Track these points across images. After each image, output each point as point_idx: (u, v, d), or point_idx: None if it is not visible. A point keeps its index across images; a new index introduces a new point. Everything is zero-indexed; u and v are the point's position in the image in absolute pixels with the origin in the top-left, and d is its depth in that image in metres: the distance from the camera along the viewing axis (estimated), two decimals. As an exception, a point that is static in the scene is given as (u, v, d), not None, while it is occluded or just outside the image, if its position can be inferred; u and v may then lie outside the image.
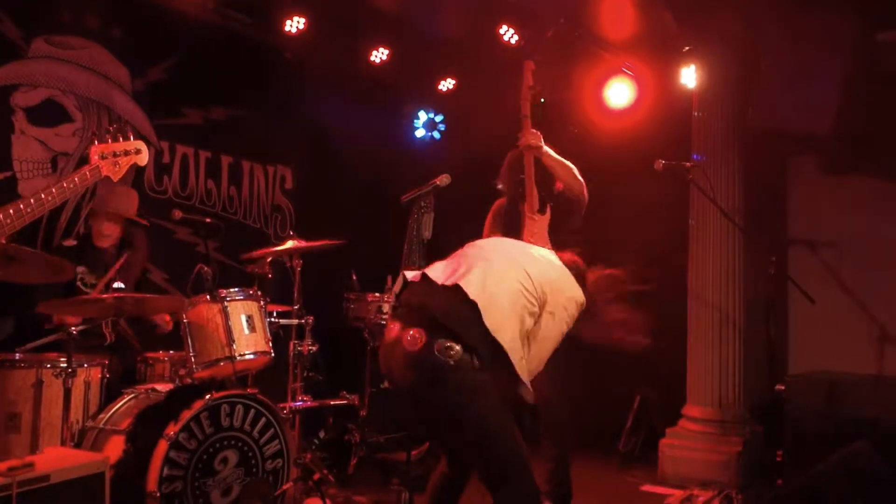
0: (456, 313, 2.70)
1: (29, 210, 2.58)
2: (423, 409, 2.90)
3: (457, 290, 2.75)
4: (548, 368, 2.96)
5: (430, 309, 2.74)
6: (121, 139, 2.81)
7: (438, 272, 2.91)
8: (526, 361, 2.79)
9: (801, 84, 4.90)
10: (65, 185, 2.65)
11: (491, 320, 2.69)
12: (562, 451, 4.07)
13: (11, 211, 2.58)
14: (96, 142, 2.80)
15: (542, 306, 2.84)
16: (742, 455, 5.08)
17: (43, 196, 2.63)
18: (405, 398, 2.92)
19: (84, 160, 4.92)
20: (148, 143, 5.51)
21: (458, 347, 2.63)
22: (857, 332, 5.68)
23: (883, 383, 5.19)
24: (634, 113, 6.07)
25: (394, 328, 2.80)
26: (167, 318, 4.65)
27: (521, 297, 2.80)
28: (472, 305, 2.70)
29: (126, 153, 2.81)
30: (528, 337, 2.82)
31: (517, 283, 2.82)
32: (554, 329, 2.87)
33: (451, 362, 2.63)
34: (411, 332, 2.69)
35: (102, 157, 2.75)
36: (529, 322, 2.81)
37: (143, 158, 2.87)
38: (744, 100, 5.34)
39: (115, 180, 2.82)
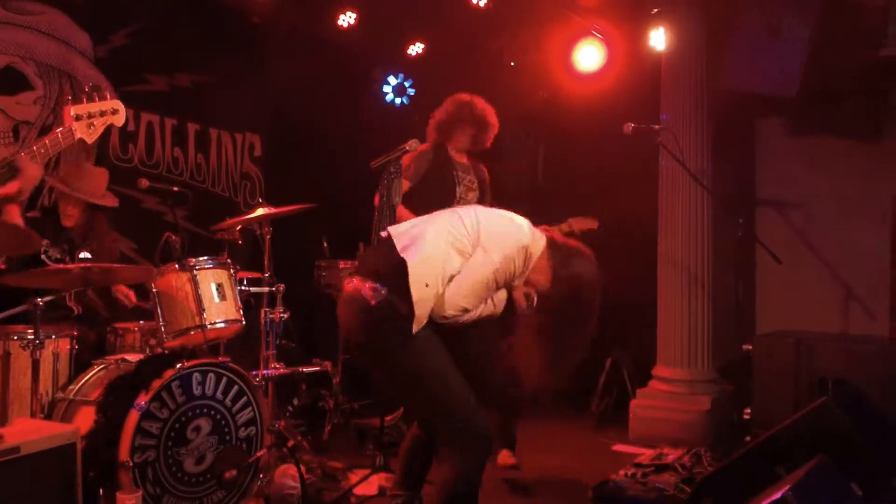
0: (385, 260, 2.89)
1: None
2: (362, 357, 3.06)
3: (389, 239, 2.96)
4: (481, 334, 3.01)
5: (370, 260, 3.01)
6: (96, 99, 2.65)
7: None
8: (435, 298, 2.81)
9: (768, 46, 4.92)
10: (35, 149, 2.49)
11: (411, 259, 2.83)
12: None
13: None
14: (70, 101, 2.64)
15: (474, 244, 2.88)
16: (711, 413, 5.17)
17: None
18: (351, 348, 3.03)
19: (46, 129, 4.86)
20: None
21: (384, 291, 2.81)
22: (823, 291, 5.78)
23: (848, 341, 5.30)
24: (603, 76, 6.06)
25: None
26: (129, 292, 4.61)
27: (446, 234, 2.89)
28: (395, 248, 2.89)
29: (102, 113, 2.66)
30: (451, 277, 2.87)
31: (446, 222, 2.94)
32: (482, 269, 2.85)
33: (374, 303, 2.81)
34: (353, 281, 2.93)
35: (77, 119, 2.59)
36: (457, 261, 2.86)
37: (120, 119, 2.72)
38: (712, 62, 5.34)
39: (89, 143, 2.68)
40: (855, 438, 3.21)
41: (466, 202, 4.55)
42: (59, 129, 2.58)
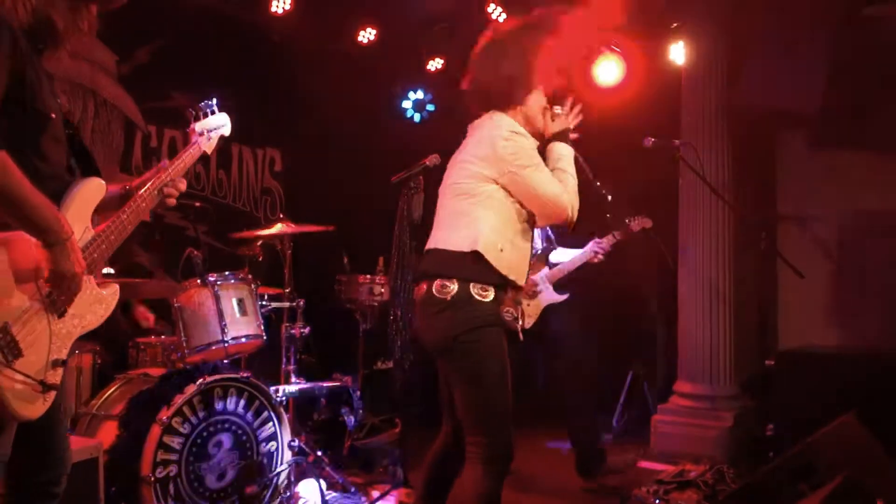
0: (440, 257, 2.90)
1: (131, 216, 2.36)
2: (431, 352, 2.98)
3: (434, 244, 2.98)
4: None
5: (424, 266, 2.97)
6: (210, 114, 2.78)
7: None
8: (507, 252, 2.84)
9: (789, 60, 4.90)
10: (175, 166, 2.55)
11: (457, 236, 2.87)
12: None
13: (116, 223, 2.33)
14: (193, 120, 2.75)
15: (500, 174, 2.88)
16: (733, 430, 5.12)
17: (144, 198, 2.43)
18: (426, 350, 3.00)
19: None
20: (136, 126, 5.55)
21: (452, 286, 2.80)
22: (846, 306, 5.71)
23: (871, 357, 5.23)
24: (623, 90, 6.05)
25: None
26: (149, 315, 4.65)
27: (466, 179, 2.92)
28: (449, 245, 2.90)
29: (217, 128, 2.79)
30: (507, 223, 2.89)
31: (461, 171, 2.96)
32: (525, 188, 2.88)
33: (448, 298, 2.80)
34: (419, 287, 2.94)
35: (200, 134, 2.73)
36: (499, 196, 2.87)
37: (228, 129, 2.85)
38: (732, 76, 5.33)
39: (208, 153, 2.79)
40: (880, 455, 3.17)
41: None
42: (190, 147, 2.69)
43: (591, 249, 4.69)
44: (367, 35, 6.47)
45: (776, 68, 4.97)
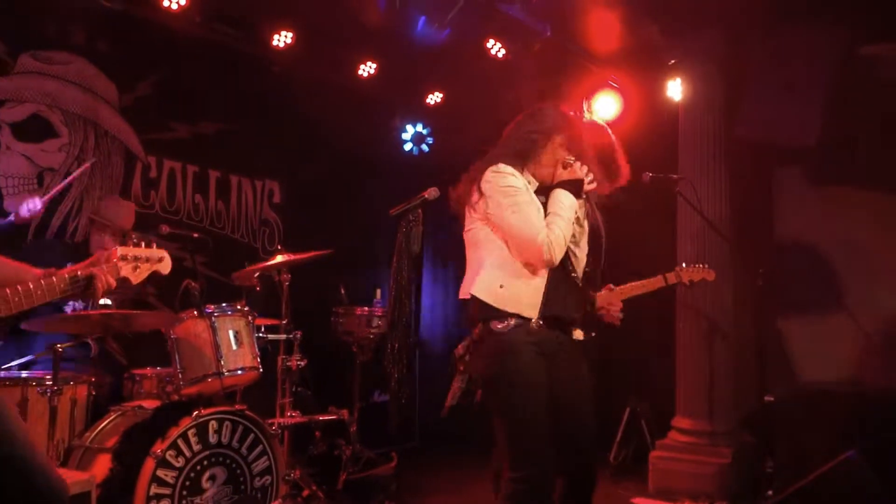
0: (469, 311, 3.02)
1: (39, 292, 2.41)
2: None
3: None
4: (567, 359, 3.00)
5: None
6: (143, 245, 2.77)
7: None
8: (506, 288, 2.89)
9: (786, 97, 4.94)
10: (80, 273, 2.54)
11: (464, 285, 3.03)
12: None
13: (20, 289, 2.40)
14: (118, 246, 2.73)
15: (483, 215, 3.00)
16: (732, 466, 5.08)
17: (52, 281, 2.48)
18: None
19: (67, 175, 4.93)
20: (136, 157, 5.57)
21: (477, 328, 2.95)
22: (845, 341, 5.70)
23: (871, 393, 5.21)
24: (621, 125, 6.09)
25: None
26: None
27: (468, 226, 3.09)
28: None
29: (148, 260, 2.77)
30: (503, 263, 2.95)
31: (467, 220, 3.11)
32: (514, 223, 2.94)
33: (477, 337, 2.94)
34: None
35: (123, 259, 2.71)
36: (492, 236, 2.97)
37: (166, 267, 2.82)
38: (729, 112, 5.37)
39: (133, 283, 2.76)
40: (880, 493, 3.15)
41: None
42: (107, 263, 2.65)
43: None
44: (367, 69, 6.52)
45: (774, 104, 5.01)
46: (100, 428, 3.81)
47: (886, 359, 5.57)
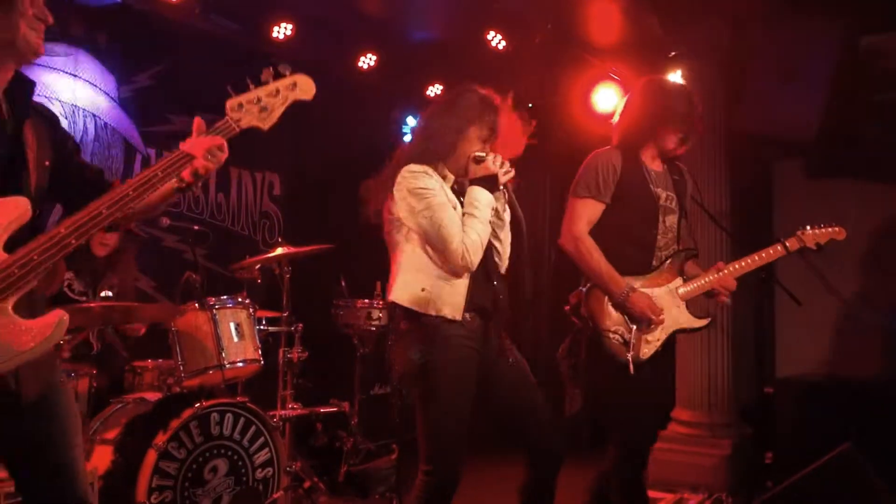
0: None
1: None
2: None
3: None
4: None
5: None
6: (269, 80, 2.24)
7: None
8: (428, 291, 2.77)
9: (787, 89, 4.93)
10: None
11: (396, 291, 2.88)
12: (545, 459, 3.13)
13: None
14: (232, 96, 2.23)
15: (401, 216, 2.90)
16: (732, 458, 5.10)
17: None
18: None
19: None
20: (135, 149, 5.56)
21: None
22: (843, 334, 5.71)
23: (869, 385, 5.22)
24: (621, 118, 6.08)
25: None
26: (140, 327, 4.63)
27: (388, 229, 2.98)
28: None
29: (277, 93, 2.30)
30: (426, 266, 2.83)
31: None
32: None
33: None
34: None
35: (238, 108, 2.25)
36: (412, 239, 2.86)
37: (306, 89, 2.32)
38: (730, 104, 5.36)
39: (265, 129, 2.33)
40: (878, 486, 3.16)
41: (668, 230, 3.70)
42: (218, 124, 2.24)
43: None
44: (367, 61, 6.51)
45: (774, 96, 5.01)
46: (101, 420, 3.82)
47: (886, 350, 5.58)
